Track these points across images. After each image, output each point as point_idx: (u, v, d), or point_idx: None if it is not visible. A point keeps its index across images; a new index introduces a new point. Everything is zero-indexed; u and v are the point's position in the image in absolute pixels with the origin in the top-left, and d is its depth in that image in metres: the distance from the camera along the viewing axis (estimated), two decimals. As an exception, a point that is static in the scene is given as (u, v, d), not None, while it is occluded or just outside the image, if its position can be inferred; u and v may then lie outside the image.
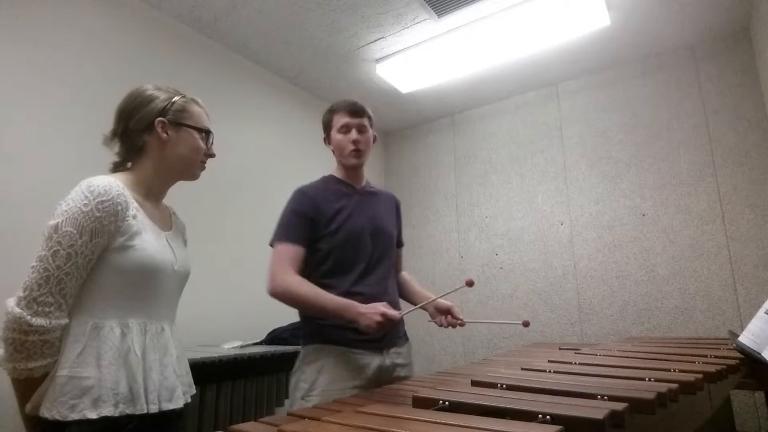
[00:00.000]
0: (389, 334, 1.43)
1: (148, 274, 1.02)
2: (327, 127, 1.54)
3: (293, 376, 1.41)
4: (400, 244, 1.69)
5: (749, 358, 1.35)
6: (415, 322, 1.67)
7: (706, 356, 1.25)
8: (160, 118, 1.09)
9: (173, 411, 1.03)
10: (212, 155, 1.20)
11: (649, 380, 0.86)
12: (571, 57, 3.16)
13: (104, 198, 0.96)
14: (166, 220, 1.19)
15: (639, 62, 3.22)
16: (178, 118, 1.12)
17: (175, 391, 1.05)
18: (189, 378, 1.15)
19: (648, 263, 3.00)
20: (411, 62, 3.08)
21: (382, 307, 1.24)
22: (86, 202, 0.95)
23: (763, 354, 1.29)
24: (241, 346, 2.26)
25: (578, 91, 3.44)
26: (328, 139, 1.55)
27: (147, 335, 1.02)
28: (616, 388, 0.76)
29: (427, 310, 1.50)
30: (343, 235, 1.41)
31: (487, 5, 2.60)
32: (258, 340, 2.49)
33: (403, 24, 2.76)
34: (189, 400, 1.12)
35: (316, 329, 1.39)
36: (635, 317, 2.99)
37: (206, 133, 1.17)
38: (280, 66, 3.19)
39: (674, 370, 0.97)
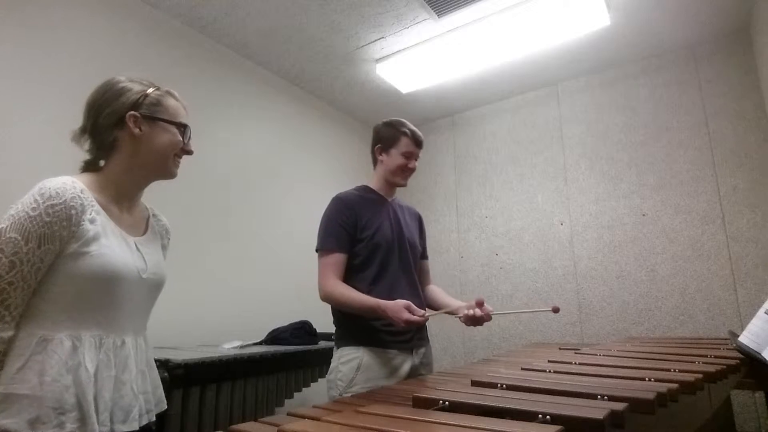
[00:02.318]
0: (417, 335, 1.55)
1: (106, 283, 0.94)
2: (388, 142, 1.62)
3: (329, 377, 1.49)
4: (424, 256, 1.77)
5: (749, 358, 1.35)
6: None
7: (706, 356, 1.25)
8: (132, 112, 1.01)
9: None
10: (189, 152, 1.11)
11: (649, 380, 0.86)
12: (571, 57, 3.16)
13: (55, 201, 0.88)
14: (139, 224, 1.11)
15: (639, 62, 3.22)
16: (153, 112, 1.03)
17: (131, 411, 0.96)
18: (156, 394, 1.07)
19: (648, 263, 3.00)
20: (411, 62, 3.07)
21: (405, 312, 1.31)
22: (34, 206, 0.87)
23: (763, 354, 1.29)
24: (241, 346, 2.26)
25: (578, 91, 3.44)
26: (383, 152, 1.63)
27: (102, 349, 0.93)
28: (616, 388, 0.76)
29: (455, 315, 1.52)
30: (375, 243, 1.52)
31: (487, 5, 2.60)
32: (258, 340, 2.49)
33: (403, 24, 2.76)
34: (153, 419, 1.04)
35: (352, 331, 1.48)
36: (635, 317, 2.99)
37: (183, 127, 1.08)
38: (280, 66, 3.18)
39: (674, 370, 0.97)
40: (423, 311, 1.35)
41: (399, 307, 1.32)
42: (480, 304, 1.41)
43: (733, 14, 2.76)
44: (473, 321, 1.42)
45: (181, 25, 2.71)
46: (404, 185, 1.66)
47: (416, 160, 1.64)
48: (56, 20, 2.15)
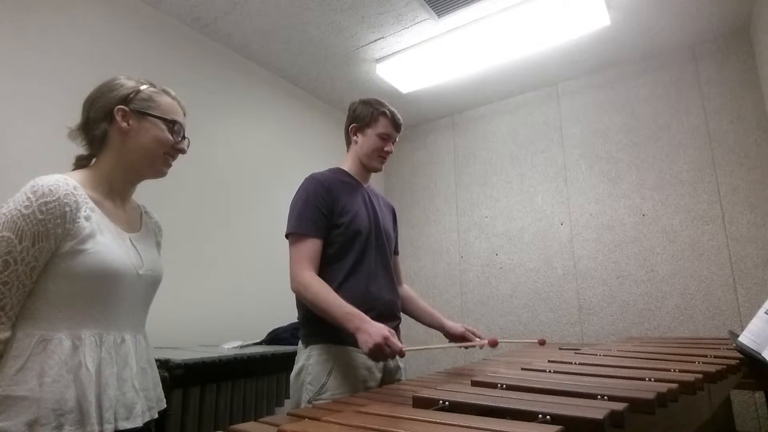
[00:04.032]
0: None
1: (103, 280, 0.93)
2: (365, 121, 1.51)
3: (297, 376, 1.37)
4: (396, 251, 1.66)
5: (749, 358, 1.35)
6: (416, 322, 1.68)
7: (706, 356, 1.25)
8: (120, 106, 1.00)
9: (132, 430, 0.95)
10: (182, 150, 1.09)
11: (649, 380, 0.86)
12: (571, 57, 3.16)
13: (48, 199, 0.87)
14: (134, 221, 1.10)
15: (639, 62, 3.22)
16: (143, 107, 1.02)
17: (134, 408, 0.96)
18: (156, 392, 1.07)
19: (648, 263, 3.00)
20: (411, 62, 3.08)
21: (387, 332, 1.17)
22: (27, 203, 0.86)
23: (763, 354, 1.29)
24: (241, 346, 2.26)
25: (578, 91, 3.44)
26: (358, 131, 1.52)
27: (103, 347, 0.93)
28: (616, 388, 0.76)
29: (444, 334, 1.60)
30: (353, 231, 1.40)
31: (487, 5, 2.60)
32: (258, 340, 2.49)
33: (403, 24, 2.76)
34: (155, 416, 1.04)
35: (322, 328, 1.33)
36: (635, 317, 2.99)
37: (172, 123, 1.06)
38: (280, 66, 3.19)
39: (674, 370, 0.97)
40: (402, 346, 1.19)
41: (382, 327, 1.18)
42: (493, 344, 1.35)
43: (733, 14, 2.76)
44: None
45: (181, 25, 2.71)
46: (379, 170, 1.55)
47: (394, 143, 1.53)
48: (56, 20, 2.15)
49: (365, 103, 1.53)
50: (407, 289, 1.68)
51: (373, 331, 1.16)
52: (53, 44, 2.12)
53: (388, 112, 1.51)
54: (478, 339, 1.54)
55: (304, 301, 1.34)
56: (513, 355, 1.80)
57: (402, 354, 1.19)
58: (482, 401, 0.69)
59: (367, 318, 1.22)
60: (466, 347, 1.53)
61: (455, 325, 1.59)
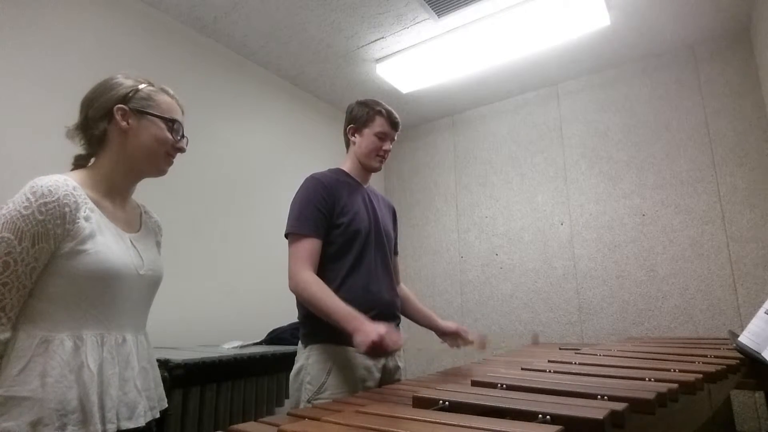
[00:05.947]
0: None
1: (104, 281, 0.93)
2: (362, 122, 1.52)
3: (296, 376, 1.39)
4: (396, 251, 1.67)
5: (749, 358, 1.35)
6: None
7: (706, 356, 1.25)
8: (119, 105, 1.00)
9: (135, 430, 0.95)
10: (181, 149, 1.09)
11: (649, 380, 0.86)
12: (571, 57, 3.16)
13: (48, 199, 0.88)
14: (133, 220, 1.10)
15: (639, 62, 3.22)
16: (142, 106, 1.03)
17: (137, 408, 0.96)
18: (158, 392, 1.08)
19: (648, 263, 3.00)
20: (411, 62, 3.08)
21: (384, 329, 1.17)
22: (27, 204, 0.86)
23: (763, 354, 1.29)
24: (241, 346, 2.26)
25: (578, 91, 3.44)
26: (356, 132, 1.54)
27: (104, 347, 0.93)
28: (616, 388, 0.76)
29: (438, 333, 1.61)
30: (353, 231, 1.41)
31: (487, 5, 2.60)
32: (258, 340, 2.49)
33: (403, 24, 2.76)
34: (157, 416, 1.04)
35: (322, 328, 1.33)
36: (635, 317, 2.99)
37: (172, 122, 1.06)
38: (280, 66, 3.19)
39: (674, 370, 0.97)
40: (399, 343, 1.20)
41: (379, 325, 1.18)
42: (455, 334, 1.32)
43: (733, 14, 2.76)
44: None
45: (181, 25, 2.70)
46: (378, 169, 1.55)
47: (391, 142, 1.54)
48: (56, 20, 2.15)
49: (362, 103, 1.56)
50: (404, 288, 1.68)
51: (370, 329, 1.17)
52: (53, 44, 2.12)
53: (384, 111, 1.52)
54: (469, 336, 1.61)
55: (302, 300, 1.35)
56: (513, 355, 1.80)
57: (399, 345, 1.20)
58: (482, 401, 0.69)
59: (364, 319, 1.22)
60: (458, 346, 1.59)
61: (449, 324, 1.61)
